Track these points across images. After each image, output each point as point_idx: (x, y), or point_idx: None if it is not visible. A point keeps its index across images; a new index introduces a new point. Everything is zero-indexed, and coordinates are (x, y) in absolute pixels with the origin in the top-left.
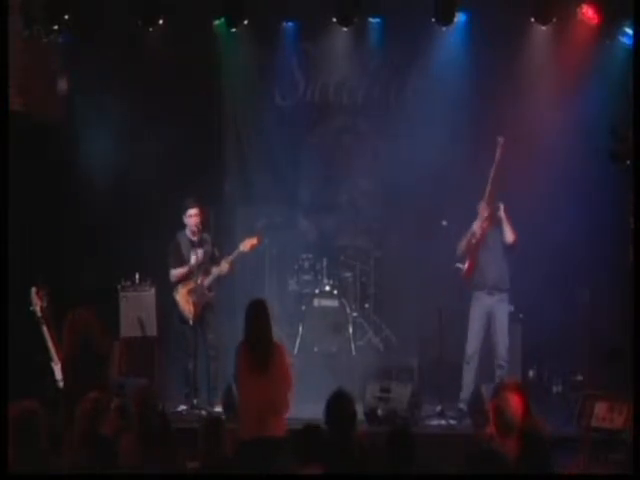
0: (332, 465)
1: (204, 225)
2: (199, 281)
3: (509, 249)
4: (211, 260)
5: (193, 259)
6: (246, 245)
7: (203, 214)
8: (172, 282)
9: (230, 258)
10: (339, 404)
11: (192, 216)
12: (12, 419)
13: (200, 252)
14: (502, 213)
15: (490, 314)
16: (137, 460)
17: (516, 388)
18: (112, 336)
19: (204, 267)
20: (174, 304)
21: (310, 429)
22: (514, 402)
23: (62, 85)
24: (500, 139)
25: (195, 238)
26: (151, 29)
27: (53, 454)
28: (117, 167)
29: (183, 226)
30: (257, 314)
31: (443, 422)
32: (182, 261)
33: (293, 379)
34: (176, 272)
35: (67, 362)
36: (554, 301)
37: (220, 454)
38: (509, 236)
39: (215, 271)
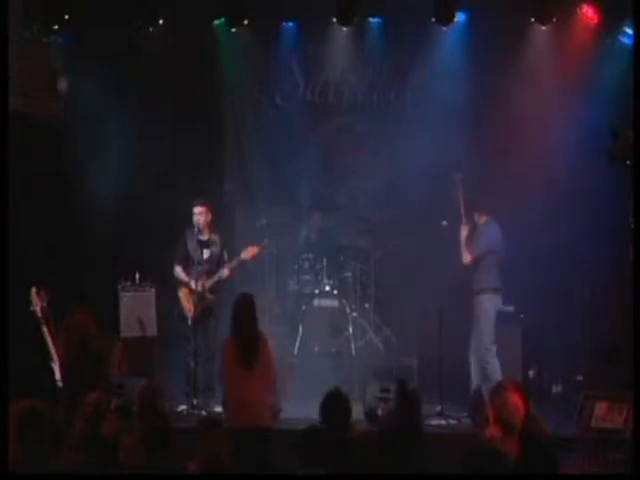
0: (333, 465)
1: (212, 225)
2: (201, 283)
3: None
4: (218, 262)
5: (206, 254)
6: (248, 253)
7: (210, 213)
8: (175, 279)
9: (232, 264)
10: (334, 403)
11: (197, 214)
12: (16, 416)
13: (207, 252)
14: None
15: (474, 315)
16: (137, 460)
17: (516, 388)
18: (110, 336)
19: (208, 268)
20: (176, 301)
21: (312, 431)
22: (515, 402)
23: (62, 85)
24: (457, 176)
25: (204, 238)
26: (151, 29)
27: (54, 453)
28: (117, 167)
29: (192, 225)
30: (244, 309)
31: (443, 422)
32: (187, 259)
33: (275, 368)
34: (177, 272)
35: (64, 363)
36: (554, 301)
37: (215, 454)
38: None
39: (217, 274)
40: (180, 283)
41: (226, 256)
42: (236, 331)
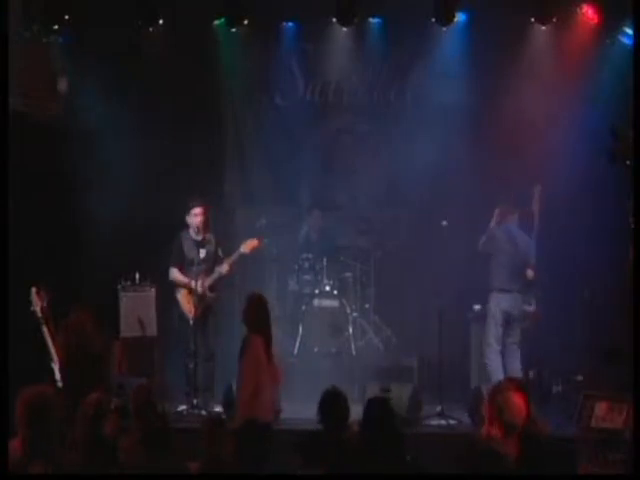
0: (332, 465)
1: (207, 225)
2: (200, 282)
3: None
4: (214, 260)
5: (202, 254)
6: (247, 247)
7: (207, 213)
8: (173, 281)
9: (231, 259)
10: (331, 402)
11: (197, 215)
12: (25, 402)
13: (203, 252)
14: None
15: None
16: (137, 460)
17: (517, 388)
18: (108, 336)
19: (206, 267)
20: (175, 303)
21: (313, 432)
22: (516, 402)
23: (62, 85)
24: (537, 189)
25: (199, 238)
26: (151, 29)
27: (59, 445)
28: (117, 167)
29: (186, 226)
30: (264, 307)
31: (443, 422)
32: (183, 260)
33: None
34: (175, 275)
35: (63, 362)
36: (554, 301)
37: (220, 454)
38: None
39: (216, 272)
40: (178, 285)
41: (221, 253)
42: (259, 329)
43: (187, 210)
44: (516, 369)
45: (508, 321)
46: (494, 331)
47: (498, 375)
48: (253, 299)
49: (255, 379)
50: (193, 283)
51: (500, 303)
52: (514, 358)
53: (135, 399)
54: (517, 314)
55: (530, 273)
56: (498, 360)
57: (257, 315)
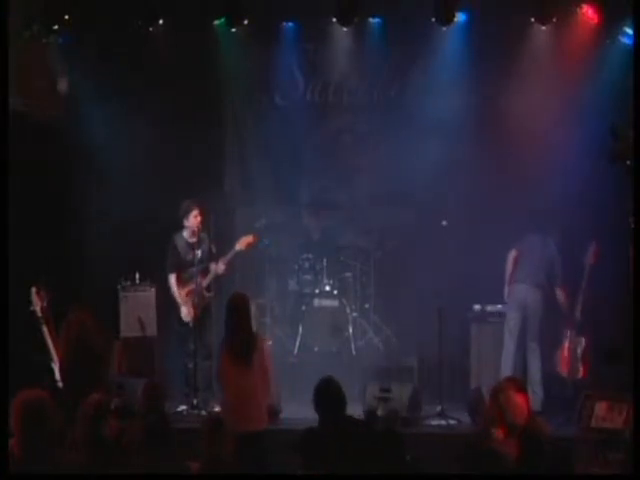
0: (332, 464)
1: (203, 225)
2: (198, 282)
3: None
4: (209, 258)
5: (198, 254)
6: (242, 243)
7: (203, 214)
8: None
9: (227, 258)
10: (326, 388)
11: (196, 216)
12: (20, 407)
13: (199, 252)
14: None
15: None
16: (138, 460)
17: (518, 388)
18: (109, 336)
19: (202, 267)
20: (174, 306)
21: (312, 431)
22: (518, 401)
23: (62, 85)
24: (592, 247)
25: (194, 239)
26: (151, 29)
27: (57, 448)
28: (117, 167)
29: (180, 228)
30: (237, 309)
31: (443, 422)
32: (180, 264)
33: (272, 368)
34: (172, 283)
35: (64, 362)
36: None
37: (220, 454)
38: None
39: (213, 270)
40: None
41: (214, 250)
42: (231, 331)
43: (186, 212)
44: (535, 369)
45: (525, 315)
46: (508, 322)
47: (505, 373)
48: (228, 300)
49: (225, 396)
50: (191, 287)
51: (514, 292)
52: (534, 357)
53: (145, 397)
54: (534, 307)
55: (560, 295)
56: (508, 359)
57: (228, 317)
